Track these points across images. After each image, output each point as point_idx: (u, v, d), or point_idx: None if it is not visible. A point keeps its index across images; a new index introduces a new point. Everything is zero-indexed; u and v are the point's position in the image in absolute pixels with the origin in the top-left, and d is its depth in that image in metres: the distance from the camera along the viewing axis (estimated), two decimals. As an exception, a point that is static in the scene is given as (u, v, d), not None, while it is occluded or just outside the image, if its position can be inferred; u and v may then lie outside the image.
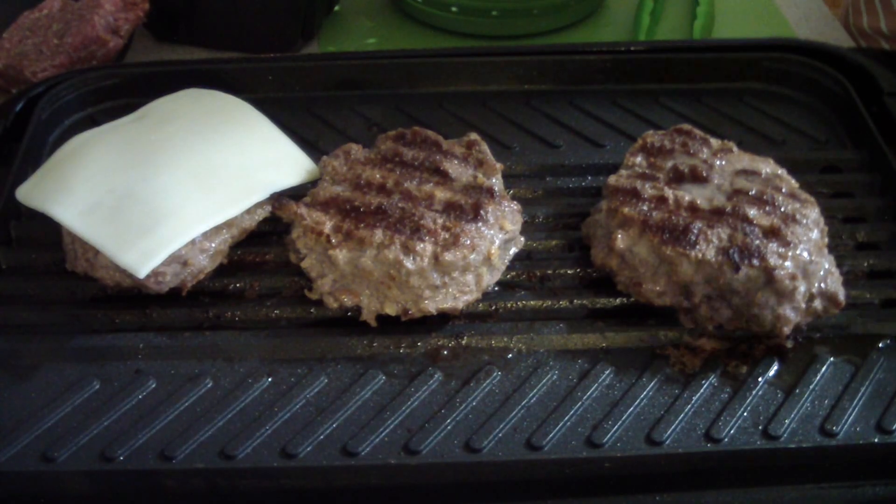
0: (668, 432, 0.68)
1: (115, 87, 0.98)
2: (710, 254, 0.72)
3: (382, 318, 0.75)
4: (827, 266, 0.74)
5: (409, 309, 0.73)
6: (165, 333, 0.75)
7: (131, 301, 0.76)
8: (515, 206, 0.77)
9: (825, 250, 0.75)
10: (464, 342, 0.74)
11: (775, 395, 0.71)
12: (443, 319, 0.74)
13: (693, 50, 1.03)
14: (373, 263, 0.72)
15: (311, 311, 0.76)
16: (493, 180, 0.78)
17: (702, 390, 0.71)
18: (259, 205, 0.81)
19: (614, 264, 0.77)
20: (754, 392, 0.71)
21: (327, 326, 0.76)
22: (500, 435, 0.68)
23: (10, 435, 0.68)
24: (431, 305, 0.73)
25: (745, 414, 0.70)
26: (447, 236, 0.72)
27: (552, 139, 0.92)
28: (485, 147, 0.81)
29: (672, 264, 0.73)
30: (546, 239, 0.82)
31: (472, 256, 0.72)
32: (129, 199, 0.76)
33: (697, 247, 0.73)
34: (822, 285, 0.73)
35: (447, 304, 0.74)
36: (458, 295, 0.74)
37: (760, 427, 0.69)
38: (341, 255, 0.72)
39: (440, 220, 0.73)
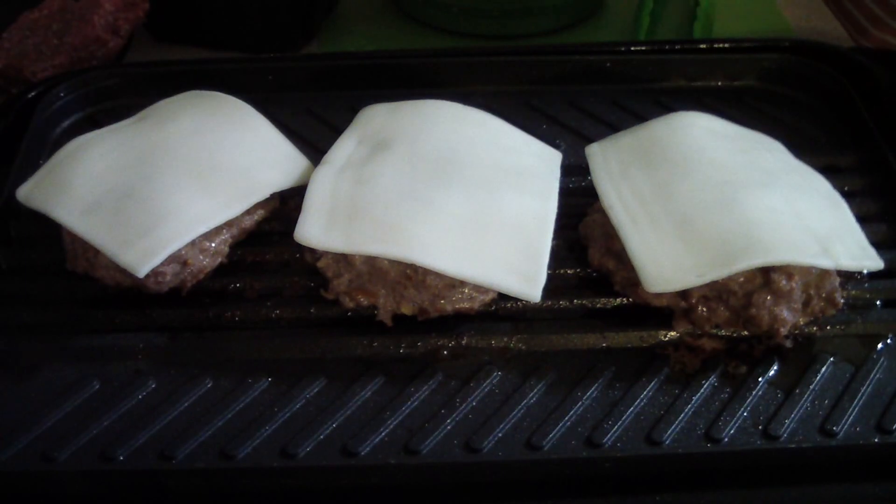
0: (668, 432, 0.68)
1: (115, 87, 0.98)
2: (710, 254, 0.72)
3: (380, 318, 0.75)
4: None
5: (425, 308, 0.73)
6: (165, 333, 0.75)
7: (131, 301, 0.76)
8: None
9: (825, 250, 0.75)
10: (464, 342, 0.74)
11: (775, 395, 0.71)
12: (442, 319, 0.74)
13: (693, 50, 1.03)
14: (389, 263, 0.72)
15: (311, 311, 0.76)
16: None
17: (702, 390, 0.71)
18: (259, 205, 0.81)
19: (611, 265, 0.77)
20: (754, 392, 0.71)
21: (327, 326, 0.76)
22: (500, 435, 0.68)
23: (10, 435, 0.68)
24: (448, 305, 0.73)
25: (745, 414, 0.70)
26: None
27: (552, 139, 0.92)
28: None
29: (671, 264, 0.73)
30: (546, 239, 0.81)
31: None
32: (130, 199, 0.76)
33: (697, 247, 0.73)
34: (820, 286, 0.73)
35: (464, 304, 0.74)
36: (474, 294, 0.74)
37: (760, 427, 0.69)
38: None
39: None
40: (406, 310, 0.74)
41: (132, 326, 0.76)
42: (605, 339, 0.75)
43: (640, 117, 0.95)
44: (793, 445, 0.68)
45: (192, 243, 0.76)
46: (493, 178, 0.79)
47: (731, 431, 0.68)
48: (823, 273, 0.73)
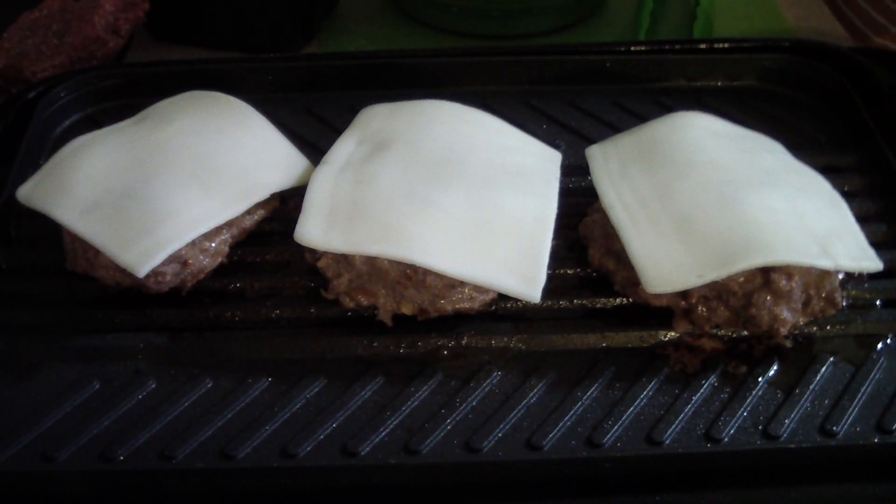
0: (668, 432, 0.68)
1: (115, 87, 0.98)
2: (710, 254, 0.72)
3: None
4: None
5: (425, 308, 0.73)
6: (165, 333, 0.75)
7: (131, 301, 0.76)
8: None
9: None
10: (464, 342, 0.74)
11: (775, 395, 0.71)
12: (442, 319, 0.74)
13: (693, 50, 1.03)
14: (389, 263, 0.72)
15: (311, 311, 0.76)
16: None
17: (702, 390, 0.71)
18: (259, 205, 0.81)
19: (611, 265, 0.77)
20: (754, 392, 0.71)
21: (327, 326, 0.76)
22: (500, 435, 0.68)
23: (10, 435, 0.68)
24: (448, 305, 0.73)
25: (745, 414, 0.70)
26: None
27: (552, 139, 0.92)
28: None
29: (671, 264, 0.73)
30: (546, 239, 0.81)
31: None
32: (130, 199, 0.76)
33: (697, 247, 0.72)
34: (820, 286, 0.73)
35: (464, 304, 0.74)
36: (474, 294, 0.74)
37: (760, 427, 0.69)
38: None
39: None
40: (406, 310, 0.74)
41: (132, 326, 0.76)
42: (605, 339, 0.75)
43: (640, 117, 0.95)
44: (793, 445, 0.68)
45: (192, 243, 0.76)
46: (493, 178, 0.79)
47: (731, 431, 0.68)
48: (823, 273, 0.73)
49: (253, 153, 0.83)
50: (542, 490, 0.68)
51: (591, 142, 0.92)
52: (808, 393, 0.71)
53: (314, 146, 0.91)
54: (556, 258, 0.78)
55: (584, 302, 0.77)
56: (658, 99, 0.99)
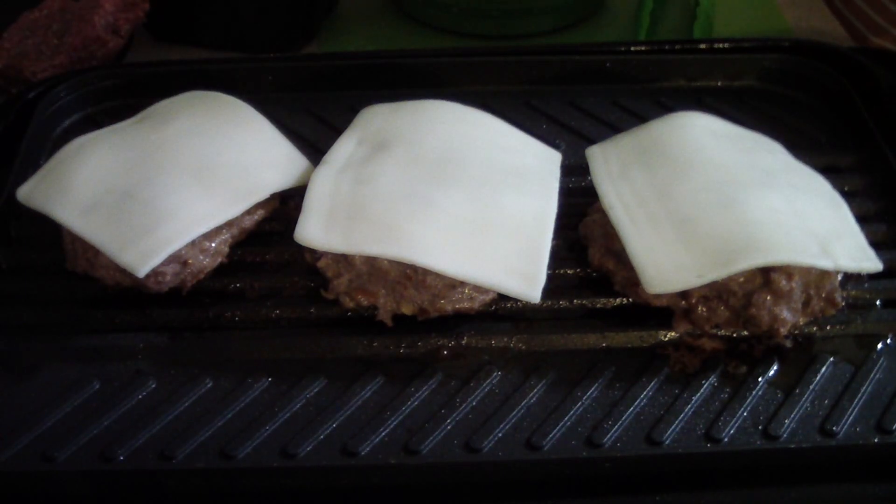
0: (668, 432, 0.68)
1: (115, 87, 0.98)
2: (710, 254, 0.72)
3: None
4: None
5: (425, 308, 0.73)
6: (165, 333, 0.75)
7: (131, 301, 0.76)
8: None
9: (825, 250, 0.75)
10: (464, 342, 0.74)
11: (775, 395, 0.71)
12: (442, 319, 0.74)
13: (693, 50, 1.03)
14: (389, 263, 0.72)
15: (312, 311, 0.76)
16: None
17: (702, 390, 0.71)
18: (259, 205, 0.81)
19: (611, 265, 0.77)
20: (754, 392, 0.71)
21: (327, 326, 0.76)
22: (500, 435, 0.68)
23: (10, 435, 0.68)
24: (448, 305, 0.73)
25: (745, 414, 0.70)
26: None
27: (552, 139, 0.92)
28: None
29: (671, 264, 0.73)
30: (546, 239, 0.81)
31: None
32: (130, 199, 0.76)
33: (697, 247, 0.72)
34: (820, 286, 0.73)
35: (464, 304, 0.74)
36: (474, 295, 0.74)
37: (760, 427, 0.69)
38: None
39: None
40: (406, 310, 0.74)
41: (132, 326, 0.76)
42: (605, 339, 0.75)
43: (640, 117, 0.95)
44: (793, 445, 0.68)
45: (192, 243, 0.76)
46: (493, 178, 0.80)
47: (731, 431, 0.68)
48: (823, 273, 0.73)
49: (253, 153, 0.83)
50: (542, 490, 0.68)
51: (591, 142, 0.92)
52: (808, 393, 0.71)
53: (314, 146, 0.91)
54: (556, 258, 0.78)
55: (584, 302, 0.77)
56: (658, 99, 0.99)
